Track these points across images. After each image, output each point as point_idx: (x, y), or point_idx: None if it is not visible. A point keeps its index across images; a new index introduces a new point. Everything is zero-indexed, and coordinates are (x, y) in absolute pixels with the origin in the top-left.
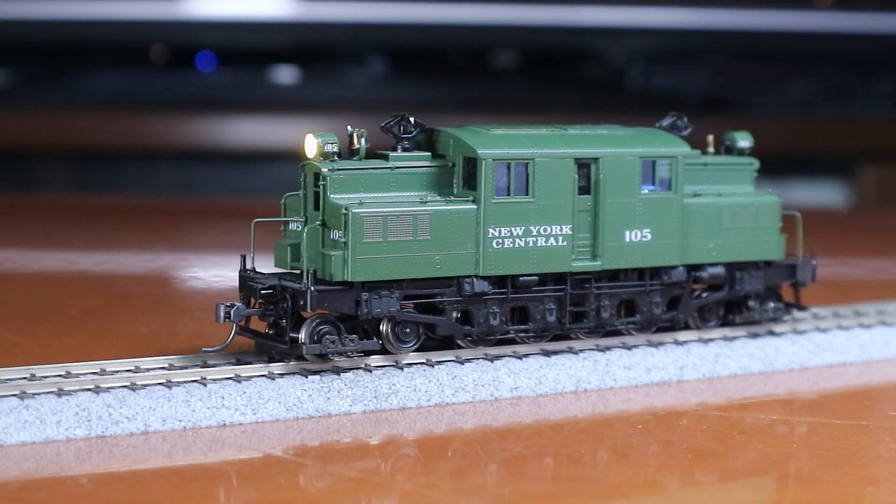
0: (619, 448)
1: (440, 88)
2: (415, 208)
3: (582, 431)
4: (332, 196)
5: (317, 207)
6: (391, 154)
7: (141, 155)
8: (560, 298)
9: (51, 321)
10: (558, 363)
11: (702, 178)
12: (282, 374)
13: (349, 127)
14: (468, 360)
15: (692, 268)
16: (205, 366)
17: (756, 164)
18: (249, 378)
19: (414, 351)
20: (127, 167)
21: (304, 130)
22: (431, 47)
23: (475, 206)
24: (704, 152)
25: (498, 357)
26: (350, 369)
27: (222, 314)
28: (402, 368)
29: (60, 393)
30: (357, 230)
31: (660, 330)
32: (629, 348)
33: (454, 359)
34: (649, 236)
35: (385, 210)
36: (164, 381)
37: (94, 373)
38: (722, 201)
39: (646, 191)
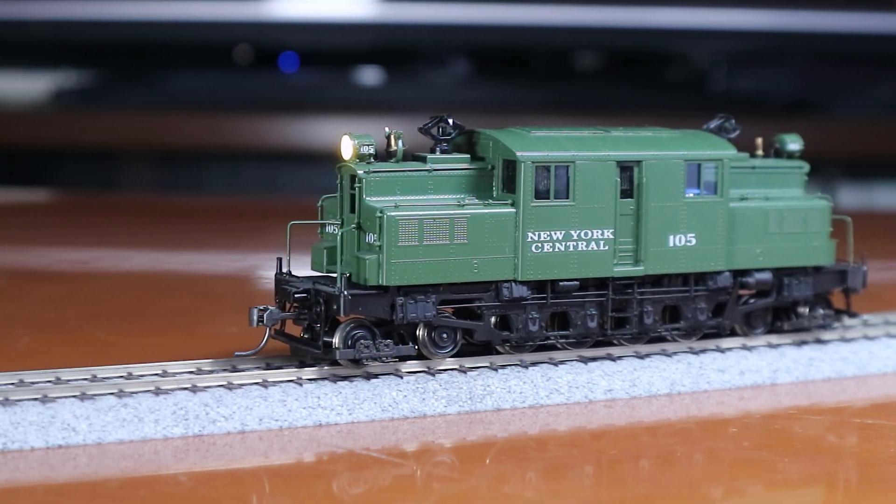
0: (714, 451)
1: (522, 90)
2: (452, 211)
3: (676, 434)
4: (367, 198)
5: (353, 210)
6: (429, 156)
7: (224, 155)
8: (602, 304)
9: (143, 320)
10: (652, 365)
11: (749, 181)
12: (377, 375)
13: (386, 129)
14: (562, 362)
15: (738, 273)
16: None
17: (806, 167)
18: (345, 378)
19: (451, 356)
20: (210, 167)
21: (386, 131)
22: (514, 49)
23: (514, 210)
24: (753, 155)
25: (592, 359)
26: (445, 370)
27: (255, 318)
28: (496, 370)
29: (158, 392)
30: (392, 233)
31: (705, 336)
32: (723, 351)
33: (548, 360)
34: (694, 241)
35: (421, 213)
36: (260, 380)
37: (191, 372)
38: (769, 205)
39: (690, 194)
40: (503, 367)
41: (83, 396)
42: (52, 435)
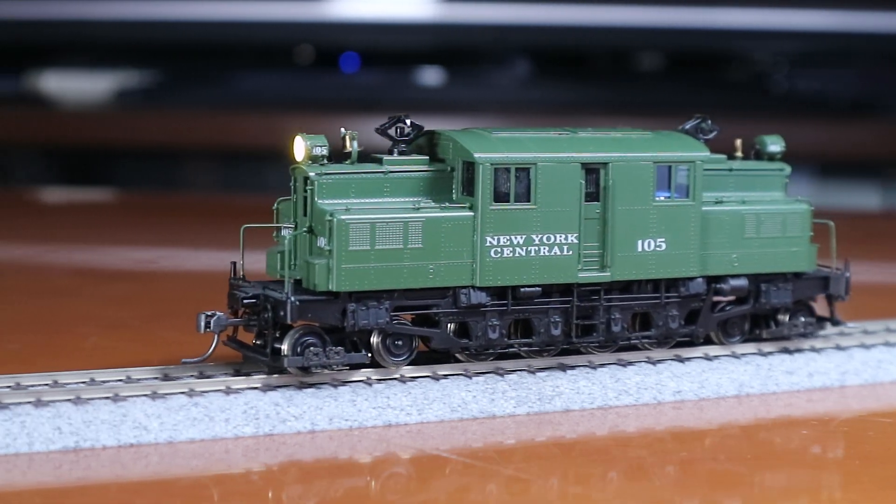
0: (784, 454)
1: (583, 91)
2: (405, 215)
3: (745, 437)
4: (319, 201)
5: (306, 213)
6: (385, 157)
7: (286, 155)
8: (566, 311)
9: None
10: (720, 367)
11: (727, 184)
12: (446, 376)
13: (343, 129)
14: (631, 364)
15: (713, 279)
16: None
17: (787, 169)
18: (415, 379)
19: (407, 364)
20: (272, 167)
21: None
22: (575, 49)
23: (472, 213)
24: (732, 157)
25: (661, 360)
26: (514, 371)
27: (202, 324)
28: (565, 371)
29: (228, 391)
30: (342, 237)
31: (679, 344)
32: (791, 353)
33: (617, 362)
34: (664, 246)
35: (373, 216)
36: (330, 380)
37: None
38: (745, 209)
39: (661, 197)
40: (572, 368)
41: (154, 395)
42: (123, 433)
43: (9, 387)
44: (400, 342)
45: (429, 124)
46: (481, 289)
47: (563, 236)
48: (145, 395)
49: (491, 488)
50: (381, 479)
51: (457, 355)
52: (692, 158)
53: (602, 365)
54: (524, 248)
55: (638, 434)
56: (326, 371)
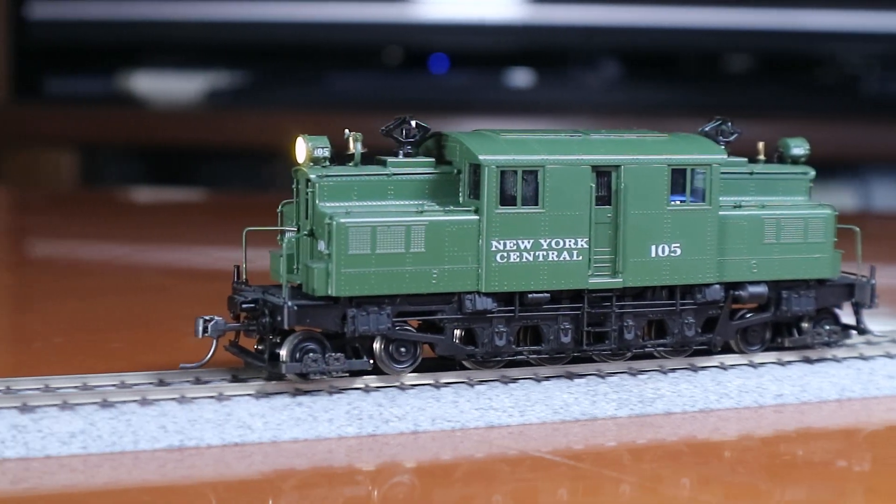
0: (887, 458)
1: (672, 93)
2: (407, 218)
3: (846, 441)
4: (320, 204)
5: (308, 216)
6: (389, 160)
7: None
8: (577, 318)
9: None
10: (821, 371)
11: (748, 188)
12: (548, 377)
13: (347, 130)
14: (733, 367)
15: (731, 286)
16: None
17: (811, 173)
18: (516, 380)
19: (411, 371)
20: None
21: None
22: (664, 51)
23: (477, 217)
24: (754, 160)
25: (762, 364)
26: (615, 373)
27: (200, 329)
28: (666, 373)
29: (331, 391)
30: (342, 241)
31: (696, 353)
32: (892, 357)
33: (719, 365)
34: (679, 251)
35: (374, 220)
36: (432, 381)
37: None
38: (765, 213)
39: (676, 202)
40: (673, 370)
41: (258, 395)
42: (228, 432)
43: (114, 385)
44: (403, 349)
45: (517, 126)
46: (487, 295)
47: (573, 241)
48: (249, 395)
49: (592, 490)
50: (483, 481)
51: (463, 363)
52: (709, 161)
53: (703, 368)
54: (532, 253)
55: (739, 437)
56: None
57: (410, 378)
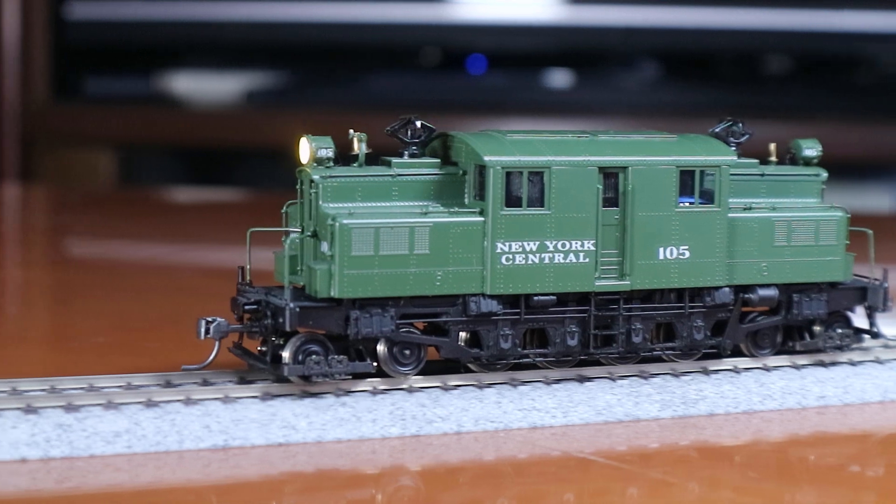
0: None
1: (710, 93)
2: (411, 220)
3: (889, 443)
4: (323, 205)
5: (312, 217)
6: (394, 160)
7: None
8: (584, 321)
9: None
10: (864, 372)
11: (759, 190)
12: (591, 378)
13: (351, 131)
14: (775, 368)
15: (741, 289)
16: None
17: (823, 174)
18: (559, 381)
19: (415, 374)
20: None
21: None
22: (702, 52)
23: (482, 218)
24: (765, 162)
25: (805, 366)
26: (658, 374)
27: (202, 330)
28: (708, 375)
29: (375, 392)
30: (345, 242)
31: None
32: None
33: (761, 367)
34: (687, 254)
35: (377, 221)
36: (475, 382)
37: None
38: (775, 216)
39: (685, 203)
40: (716, 371)
41: (302, 395)
42: (272, 432)
43: (159, 384)
44: (407, 351)
45: (555, 126)
46: (492, 297)
47: (580, 243)
48: (293, 395)
49: (634, 491)
50: (527, 482)
51: (469, 365)
52: (718, 163)
53: (746, 369)
54: (537, 255)
55: (782, 439)
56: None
57: (454, 379)
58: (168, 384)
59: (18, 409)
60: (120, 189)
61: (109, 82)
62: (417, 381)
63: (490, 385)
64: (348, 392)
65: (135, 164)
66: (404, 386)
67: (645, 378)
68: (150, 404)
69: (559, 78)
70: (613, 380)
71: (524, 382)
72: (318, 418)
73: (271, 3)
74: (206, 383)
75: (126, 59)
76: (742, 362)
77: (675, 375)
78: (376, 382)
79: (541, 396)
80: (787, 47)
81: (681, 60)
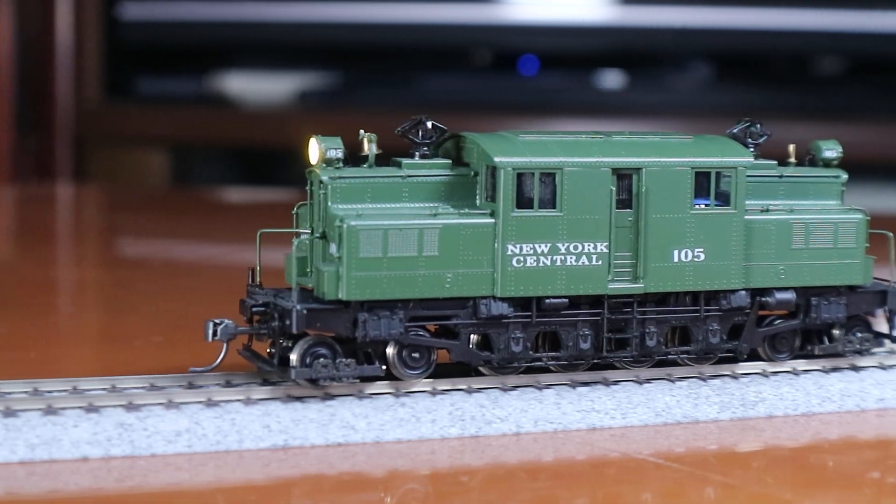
0: None
1: (764, 94)
2: (420, 221)
3: None
4: (332, 206)
5: (321, 218)
6: (404, 161)
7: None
8: (597, 324)
9: None
10: None
11: (777, 192)
12: (649, 380)
13: (361, 131)
14: (834, 370)
15: (757, 292)
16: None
17: (843, 176)
18: (618, 382)
19: (426, 377)
20: None
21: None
22: (755, 53)
23: (492, 220)
24: (784, 163)
25: (863, 367)
26: (717, 376)
27: (210, 332)
28: (768, 377)
29: (434, 392)
30: (353, 244)
31: (724, 360)
32: None
33: (820, 368)
34: (702, 256)
35: (386, 223)
36: (534, 382)
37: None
38: (792, 218)
39: (700, 205)
40: (775, 373)
41: (361, 395)
42: (331, 433)
43: (218, 384)
44: (417, 354)
45: (608, 128)
46: (502, 299)
47: (592, 245)
48: (352, 396)
49: (694, 494)
50: (585, 483)
51: (480, 368)
52: (734, 164)
53: (805, 371)
54: (549, 257)
55: (841, 442)
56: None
57: (513, 380)
58: (228, 384)
59: (80, 408)
60: (172, 189)
61: (162, 82)
62: (477, 381)
63: (549, 386)
64: (408, 392)
65: (187, 164)
66: (464, 386)
67: (704, 380)
68: (210, 404)
69: (611, 79)
70: (672, 381)
71: (583, 384)
72: (378, 419)
73: (324, 4)
74: (265, 383)
75: (178, 59)
76: (801, 364)
77: (734, 377)
78: (435, 383)
79: (600, 398)
80: (839, 48)
81: (733, 61)
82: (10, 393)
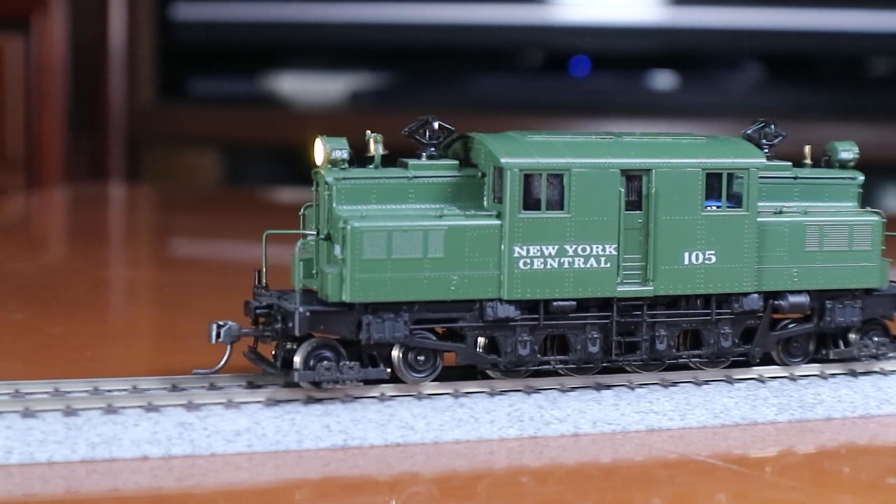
0: None
1: (815, 96)
2: (425, 222)
3: None
4: (337, 207)
5: (327, 219)
6: (411, 162)
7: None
8: (606, 327)
9: None
10: None
11: (792, 193)
12: (707, 381)
13: (368, 132)
14: (892, 372)
15: (770, 295)
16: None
17: (860, 178)
18: (676, 384)
19: (431, 381)
20: None
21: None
22: (807, 54)
23: (498, 222)
24: (799, 164)
25: None
26: (775, 378)
27: (213, 334)
28: (826, 378)
29: (492, 393)
30: (356, 246)
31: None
32: None
33: (879, 371)
34: (714, 259)
35: (390, 224)
36: (592, 384)
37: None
38: (806, 220)
39: (711, 207)
40: (833, 375)
41: (420, 395)
42: (390, 433)
43: (277, 384)
44: (423, 357)
45: (659, 129)
46: (509, 302)
47: (601, 247)
48: (411, 396)
49: (753, 495)
50: (643, 484)
51: (487, 372)
52: (746, 165)
53: (864, 373)
54: (556, 260)
55: None
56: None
57: (571, 381)
58: (287, 384)
59: (140, 407)
60: (225, 189)
61: (214, 83)
62: (536, 382)
63: (608, 387)
64: (467, 393)
65: (239, 164)
66: (522, 387)
67: (762, 382)
68: (270, 403)
69: (663, 80)
70: (730, 383)
71: (641, 385)
72: (436, 419)
73: (376, 4)
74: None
75: (231, 59)
76: (859, 366)
77: (793, 379)
78: (494, 384)
79: (658, 399)
80: (892, 49)
81: (785, 62)
82: (70, 392)
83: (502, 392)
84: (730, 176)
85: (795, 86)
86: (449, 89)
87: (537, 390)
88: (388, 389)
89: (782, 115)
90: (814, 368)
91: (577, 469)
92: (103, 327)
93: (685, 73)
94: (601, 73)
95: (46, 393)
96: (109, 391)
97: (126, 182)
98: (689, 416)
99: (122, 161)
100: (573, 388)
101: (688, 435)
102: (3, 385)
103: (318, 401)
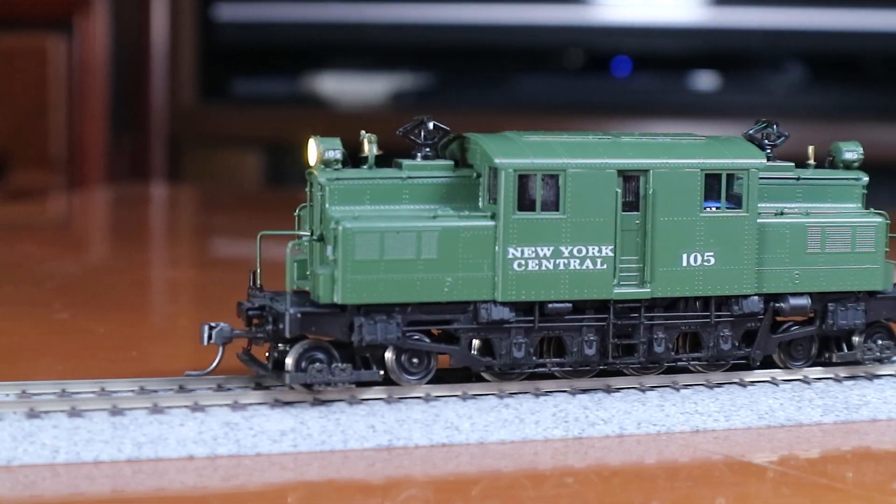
0: None
1: (857, 96)
2: (418, 224)
3: None
4: (330, 207)
5: (320, 220)
6: (405, 162)
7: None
8: (602, 329)
9: None
10: None
11: (794, 194)
12: (752, 382)
13: (362, 132)
14: None
15: (771, 298)
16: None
17: (864, 178)
18: (721, 385)
19: (425, 383)
20: None
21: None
22: (848, 54)
23: (492, 223)
24: (803, 165)
25: None
26: (820, 379)
27: (205, 335)
28: (871, 380)
29: (537, 393)
30: (348, 247)
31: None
32: None
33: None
34: (713, 260)
35: (382, 225)
36: (637, 385)
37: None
38: (808, 221)
39: (711, 208)
40: (878, 377)
41: (465, 396)
42: (435, 433)
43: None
44: (416, 359)
45: (701, 130)
46: (503, 304)
47: (597, 248)
48: (457, 396)
49: (799, 497)
50: (687, 485)
51: (483, 374)
52: (746, 166)
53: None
54: (551, 261)
55: None
56: (331, 388)
57: (617, 381)
58: (329, 384)
59: (186, 406)
60: (266, 189)
61: (256, 83)
62: (579, 383)
63: (652, 388)
64: (512, 394)
65: (281, 164)
66: (567, 388)
67: (807, 383)
68: (315, 403)
69: (705, 80)
70: (776, 384)
71: (686, 386)
72: (481, 419)
73: (418, 5)
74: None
75: (273, 59)
76: None
77: (838, 380)
78: (538, 384)
79: (703, 400)
80: None
81: (828, 62)
82: (116, 391)
83: (547, 393)
84: (729, 176)
85: (838, 86)
86: (490, 89)
87: (582, 391)
88: (434, 390)
89: (824, 116)
90: (860, 370)
91: (621, 470)
92: (146, 327)
93: (727, 74)
94: (642, 74)
95: (93, 392)
96: (155, 391)
97: (167, 182)
98: (734, 417)
99: (164, 161)
100: (618, 389)
101: (733, 436)
102: (50, 385)
103: (363, 401)
